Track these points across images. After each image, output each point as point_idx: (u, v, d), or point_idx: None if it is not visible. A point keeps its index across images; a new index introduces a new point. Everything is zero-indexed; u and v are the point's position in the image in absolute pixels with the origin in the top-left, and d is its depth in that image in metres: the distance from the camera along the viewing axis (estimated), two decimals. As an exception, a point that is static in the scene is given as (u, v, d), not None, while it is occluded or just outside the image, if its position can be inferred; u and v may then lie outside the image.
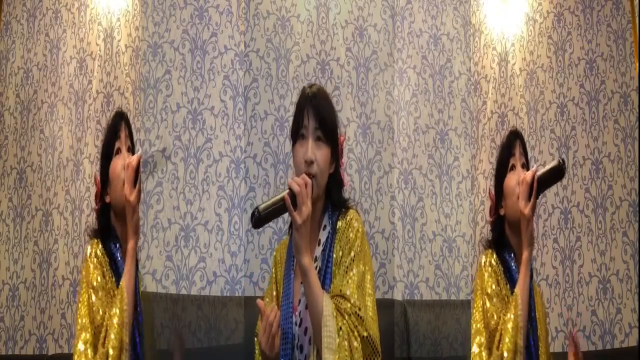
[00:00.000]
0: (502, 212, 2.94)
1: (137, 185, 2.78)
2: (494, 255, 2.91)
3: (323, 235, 2.83)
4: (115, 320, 2.68)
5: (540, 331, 2.82)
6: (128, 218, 2.75)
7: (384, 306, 3.79)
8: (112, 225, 2.82)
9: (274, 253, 2.96)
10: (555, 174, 2.88)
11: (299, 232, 2.73)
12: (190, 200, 3.76)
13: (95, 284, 2.75)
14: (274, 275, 2.95)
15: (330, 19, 3.95)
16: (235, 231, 3.71)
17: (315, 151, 2.81)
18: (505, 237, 2.93)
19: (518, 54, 4.26)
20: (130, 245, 2.75)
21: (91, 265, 2.76)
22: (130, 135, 2.88)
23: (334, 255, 2.80)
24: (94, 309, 2.73)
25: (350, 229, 2.81)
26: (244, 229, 3.70)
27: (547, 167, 2.90)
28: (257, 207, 2.72)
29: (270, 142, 3.78)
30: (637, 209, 3.82)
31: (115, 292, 2.74)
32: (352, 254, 2.78)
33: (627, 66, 3.91)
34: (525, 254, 2.83)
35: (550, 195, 3.99)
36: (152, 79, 3.82)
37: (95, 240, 2.80)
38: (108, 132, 2.87)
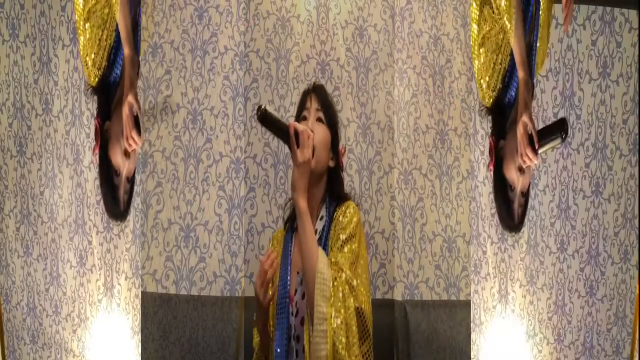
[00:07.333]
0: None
1: None
2: None
3: (320, 225, 2.83)
4: None
5: None
6: None
7: (384, 306, 3.80)
8: None
9: (274, 233, 2.95)
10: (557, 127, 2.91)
11: (299, 170, 2.72)
12: (190, 201, 3.77)
13: None
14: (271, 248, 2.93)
15: (330, 19, 3.95)
16: (235, 231, 3.71)
17: (315, 127, 2.84)
18: None
19: (518, 54, 4.25)
20: None
21: None
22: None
23: (330, 243, 2.80)
24: None
25: (344, 216, 2.81)
26: (244, 229, 3.70)
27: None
28: (265, 106, 2.72)
29: (270, 142, 3.78)
30: (637, 207, 3.82)
31: None
32: (344, 237, 2.77)
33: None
34: None
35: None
36: (152, 79, 3.83)
37: None
38: None
